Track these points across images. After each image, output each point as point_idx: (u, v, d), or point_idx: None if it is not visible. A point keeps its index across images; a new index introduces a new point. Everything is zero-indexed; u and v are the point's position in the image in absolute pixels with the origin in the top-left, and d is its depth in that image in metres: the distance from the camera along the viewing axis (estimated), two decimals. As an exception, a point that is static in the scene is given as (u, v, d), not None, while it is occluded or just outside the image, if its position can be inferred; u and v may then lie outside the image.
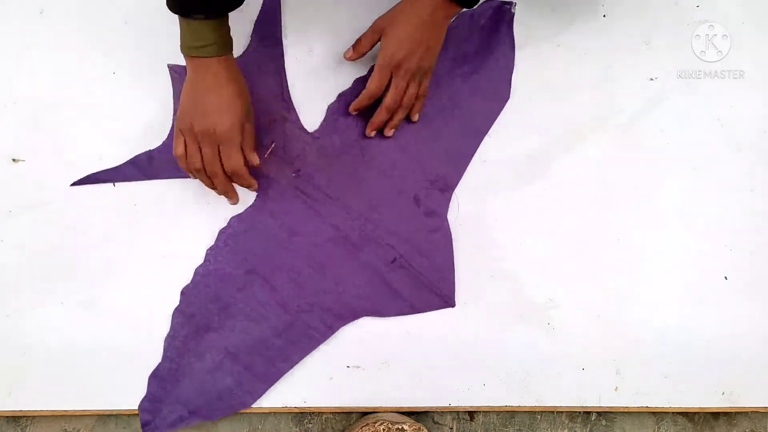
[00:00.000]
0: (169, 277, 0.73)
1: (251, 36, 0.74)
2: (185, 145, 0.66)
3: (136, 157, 0.74)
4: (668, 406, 0.75)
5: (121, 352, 0.73)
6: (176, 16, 0.64)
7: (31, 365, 0.72)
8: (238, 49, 0.73)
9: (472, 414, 0.76)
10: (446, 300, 0.74)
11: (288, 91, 0.74)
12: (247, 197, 0.74)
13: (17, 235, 0.73)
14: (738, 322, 0.76)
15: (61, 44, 0.74)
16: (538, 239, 0.76)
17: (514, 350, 0.75)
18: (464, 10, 0.70)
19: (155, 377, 0.72)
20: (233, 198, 0.70)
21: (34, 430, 0.74)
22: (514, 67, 0.76)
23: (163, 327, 0.73)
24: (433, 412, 0.76)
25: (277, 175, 0.74)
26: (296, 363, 0.72)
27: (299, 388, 0.73)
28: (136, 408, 0.72)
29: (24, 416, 0.73)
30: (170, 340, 0.72)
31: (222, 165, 0.66)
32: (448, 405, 0.74)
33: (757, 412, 0.77)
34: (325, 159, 0.74)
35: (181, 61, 0.74)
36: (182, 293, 0.73)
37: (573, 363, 0.75)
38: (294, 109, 0.74)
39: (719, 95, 0.78)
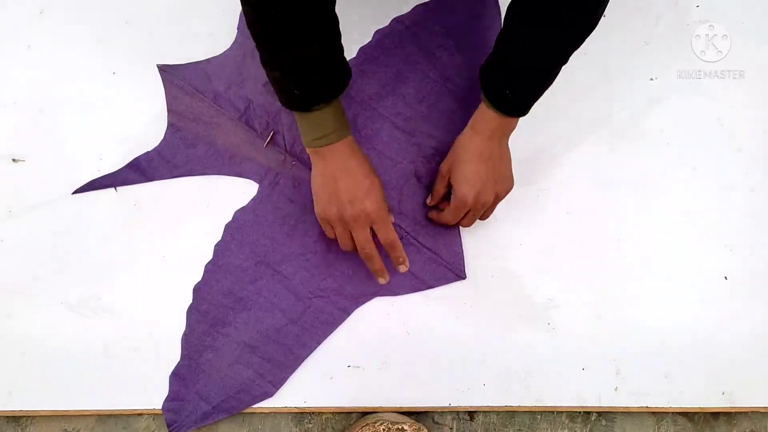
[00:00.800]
0: (170, 276, 0.73)
1: (237, 28, 0.74)
2: (333, 231, 0.68)
3: (134, 160, 0.74)
4: (668, 406, 0.75)
5: (122, 352, 0.73)
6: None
7: (31, 365, 0.72)
8: (226, 42, 0.74)
9: (472, 414, 0.76)
10: (457, 273, 0.74)
11: None
12: (250, 189, 0.74)
13: (17, 235, 0.73)
14: (738, 322, 0.76)
15: (61, 44, 0.74)
16: (538, 239, 0.76)
17: (514, 350, 0.75)
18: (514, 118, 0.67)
19: (176, 376, 0.72)
20: (386, 276, 0.70)
21: (34, 430, 0.74)
22: None
23: (164, 326, 0.73)
24: (433, 412, 0.76)
25: (277, 165, 0.74)
26: (314, 348, 0.73)
27: (299, 388, 0.73)
28: (137, 408, 0.72)
29: (24, 416, 0.73)
30: (187, 338, 0.72)
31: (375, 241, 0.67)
32: (448, 405, 0.74)
33: (757, 412, 0.77)
34: None
35: (171, 60, 0.74)
36: (194, 290, 0.73)
37: (573, 363, 0.75)
38: None
39: (719, 95, 0.78)
